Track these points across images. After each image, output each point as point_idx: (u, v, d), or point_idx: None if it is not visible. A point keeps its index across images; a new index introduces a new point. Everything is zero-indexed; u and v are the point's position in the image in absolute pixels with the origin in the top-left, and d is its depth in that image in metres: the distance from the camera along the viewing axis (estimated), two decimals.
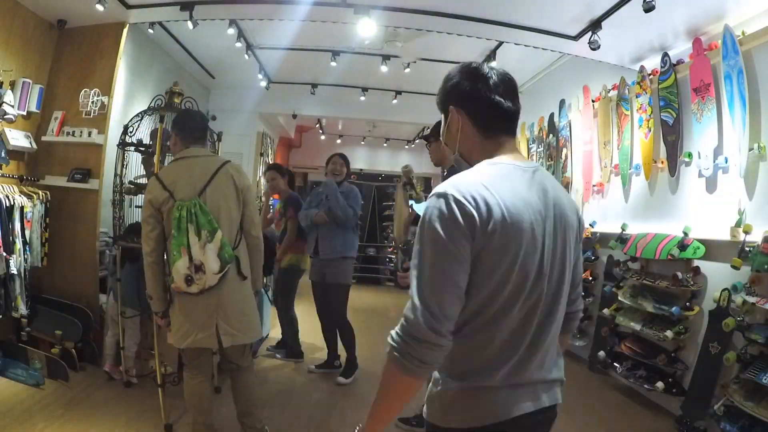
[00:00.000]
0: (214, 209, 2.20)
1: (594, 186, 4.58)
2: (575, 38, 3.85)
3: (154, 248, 2.23)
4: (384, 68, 5.79)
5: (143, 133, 3.34)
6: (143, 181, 3.33)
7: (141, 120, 3.27)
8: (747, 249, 2.64)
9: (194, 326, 2.23)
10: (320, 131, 10.89)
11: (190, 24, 3.79)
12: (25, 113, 3.54)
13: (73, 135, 3.65)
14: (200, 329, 2.22)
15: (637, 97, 3.89)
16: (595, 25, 3.54)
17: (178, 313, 2.27)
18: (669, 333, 3.12)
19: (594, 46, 3.59)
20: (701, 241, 3.10)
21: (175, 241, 2.14)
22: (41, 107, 3.68)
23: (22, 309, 3.22)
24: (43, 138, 3.67)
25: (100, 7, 3.42)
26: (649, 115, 3.74)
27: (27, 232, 3.28)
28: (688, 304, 3.13)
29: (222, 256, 2.16)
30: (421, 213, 1.03)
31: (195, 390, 2.33)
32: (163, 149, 3.09)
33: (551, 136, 5.51)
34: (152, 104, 3.24)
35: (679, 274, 3.16)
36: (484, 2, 3.57)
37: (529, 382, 1.06)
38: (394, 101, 7.41)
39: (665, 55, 3.54)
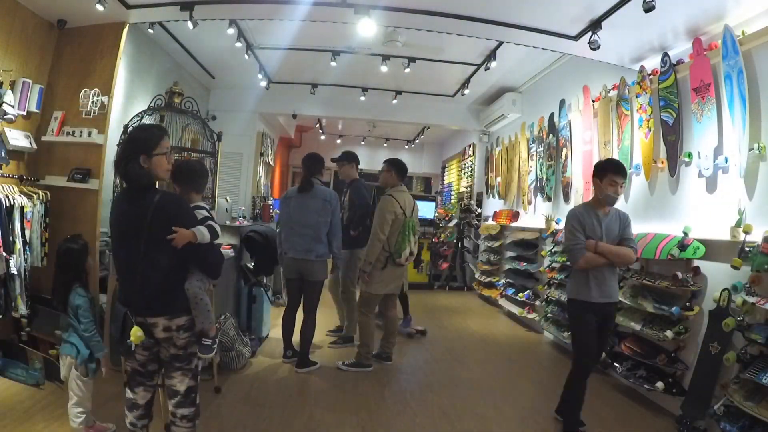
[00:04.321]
0: (416, 224, 4.02)
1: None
2: (575, 38, 3.85)
3: (386, 236, 3.84)
4: (384, 68, 5.80)
5: None
6: None
7: (141, 120, 3.28)
8: (747, 249, 2.64)
9: (393, 282, 3.98)
10: (320, 131, 10.89)
11: (190, 24, 3.79)
12: (25, 113, 3.53)
13: (73, 135, 3.65)
14: (395, 283, 4.01)
15: (637, 97, 3.89)
16: (595, 25, 3.54)
17: (389, 274, 3.92)
18: (669, 333, 3.12)
19: (594, 46, 3.59)
20: (701, 241, 3.10)
21: (406, 238, 3.87)
22: (41, 107, 3.68)
23: (22, 309, 3.22)
24: (43, 138, 3.67)
25: (100, 7, 3.42)
26: (649, 115, 3.74)
27: (27, 232, 3.28)
28: (688, 304, 3.13)
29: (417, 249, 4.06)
30: None
31: (370, 325, 3.99)
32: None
33: (551, 136, 5.51)
34: (152, 104, 3.25)
35: (679, 274, 3.16)
36: (484, 2, 3.58)
37: None
38: (394, 101, 7.42)
39: (665, 55, 3.54)
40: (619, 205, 4.25)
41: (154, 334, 1.98)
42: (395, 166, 4.07)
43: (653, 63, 3.77)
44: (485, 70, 5.69)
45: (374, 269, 3.86)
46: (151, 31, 4.67)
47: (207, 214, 2.22)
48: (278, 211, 3.99)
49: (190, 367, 2.07)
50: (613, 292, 2.91)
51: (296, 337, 4.04)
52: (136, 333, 1.92)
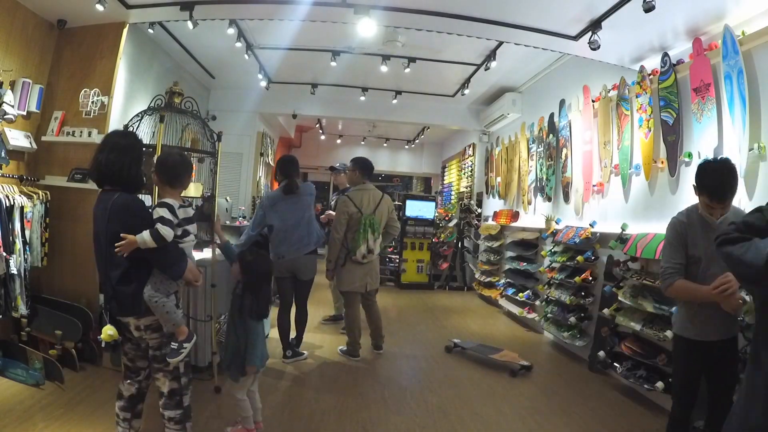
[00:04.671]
0: (378, 221, 4.08)
1: (594, 186, 4.57)
2: (575, 38, 3.85)
3: (343, 235, 4.03)
4: (384, 68, 5.80)
5: (144, 132, 3.34)
6: None
7: (141, 120, 3.27)
8: None
9: (357, 280, 4.06)
10: (320, 131, 10.89)
11: (190, 24, 3.80)
12: (25, 113, 3.54)
13: (73, 135, 3.65)
14: (359, 281, 4.07)
15: (637, 97, 3.89)
16: (595, 25, 3.54)
17: (349, 272, 4.06)
18: (669, 333, 3.12)
19: (594, 46, 3.59)
20: None
21: (361, 236, 3.95)
22: (41, 107, 3.68)
23: (22, 309, 3.23)
24: (43, 138, 3.67)
25: (100, 7, 3.42)
26: (649, 115, 3.74)
27: (27, 232, 3.29)
28: None
29: (380, 246, 4.16)
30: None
31: (356, 318, 4.18)
32: (163, 149, 3.09)
33: (551, 136, 5.51)
34: (152, 104, 3.24)
35: None
36: (484, 2, 3.58)
37: None
38: (394, 101, 7.42)
39: (665, 55, 3.54)
40: (619, 205, 4.30)
41: (132, 333, 2.03)
42: (358, 165, 4.23)
43: (653, 63, 3.77)
44: (485, 70, 5.69)
45: (337, 267, 4.11)
46: (151, 31, 4.67)
47: (164, 215, 2.05)
48: (260, 214, 3.86)
49: (169, 369, 2.08)
50: (727, 325, 2.19)
51: (293, 336, 4.11)
52: (106, 332, 1.96)
